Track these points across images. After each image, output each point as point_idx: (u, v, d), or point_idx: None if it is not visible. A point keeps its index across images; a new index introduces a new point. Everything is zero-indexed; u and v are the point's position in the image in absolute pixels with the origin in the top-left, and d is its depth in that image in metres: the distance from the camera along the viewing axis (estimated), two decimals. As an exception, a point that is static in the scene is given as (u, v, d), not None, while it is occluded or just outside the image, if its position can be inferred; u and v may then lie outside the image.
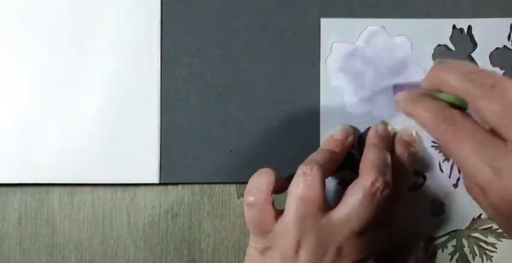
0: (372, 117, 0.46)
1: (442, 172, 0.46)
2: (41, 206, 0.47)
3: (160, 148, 0.46)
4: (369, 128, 0.45)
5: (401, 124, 0.46)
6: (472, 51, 0.46)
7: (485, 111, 0.34)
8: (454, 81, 0.35)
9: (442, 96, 0.37)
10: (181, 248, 0.47)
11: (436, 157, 0.46)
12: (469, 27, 0.46)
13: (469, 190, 0.39)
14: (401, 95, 0.39)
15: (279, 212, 0.41)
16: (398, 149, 0.44)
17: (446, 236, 0.46)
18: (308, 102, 0.46)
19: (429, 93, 0.38)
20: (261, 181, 0.41)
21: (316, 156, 0.42)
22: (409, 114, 0.38)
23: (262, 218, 0.40)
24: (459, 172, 0.46)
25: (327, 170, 0.41)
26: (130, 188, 0.47)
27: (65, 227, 0.47)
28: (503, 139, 0.33)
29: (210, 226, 0.47)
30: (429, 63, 0.46)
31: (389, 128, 0.45)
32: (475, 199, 0.38)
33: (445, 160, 0.46)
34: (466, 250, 0.46)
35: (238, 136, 0.46)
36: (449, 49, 0.46)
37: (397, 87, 0.42)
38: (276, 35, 0.46)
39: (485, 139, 0.34)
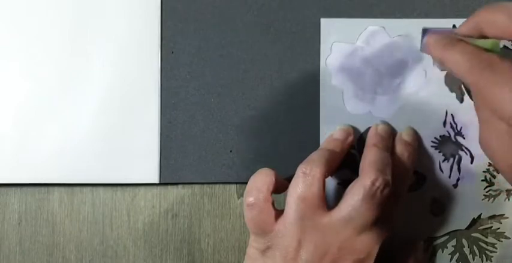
0: (372, 117, 0.46)
1: (442, 172, 0.46)
2: (41, 206, 0.47)
3: (160, 148, 0.46)
4: (368, 128, 0.45)
5: (402, 124, 0.46)
6: (472, 51, 0.46)
7: None
8: (506, 18, 0.35)
9: (478, 42, 0.36)
10: (181, 248, 0.47)
11: (436, 157, 0.46)
12: (469, 27, 0.46)
13: (490, 139, 0.38)
14: (432, 38, 0.38)
15: (279, 212, 0.41)
16: (398, 149, 0.44)
17: (446, 236, 0.46)
18: (308, 102, 0.46)
19: (463, 39, 0.37)
20: (261, 181, 0.41)
21: (316, 156, 0.42)
22: (440, 58, 0.37)
23: (262, 218, 0.40)
24: (459, 171, 0.46)
25: (326, 170, 0.41)
26: (130, 188, 0.47)
27: (65, 227, 0.47)
28: None
29: (210, 226, 0.47)
30: (429, 63, 0.46)
31: (389, 128, 0.45)
32: (494, 148, 0.37)
33: (444, 159, 0.46)
34: (466, 250, 0.46)
35: (238, 136, 0.46)
36: (449, 49, 0.46)
37: (426, 33, 0.40)
38: (276, 35, 0.46)
39: None
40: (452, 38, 0.38)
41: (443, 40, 0.37)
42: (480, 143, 0.39)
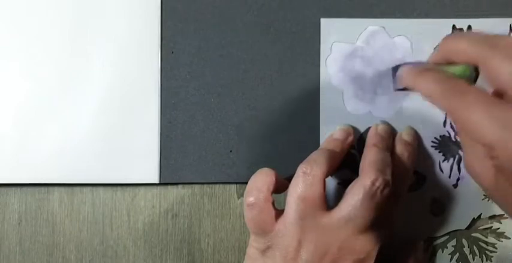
0: (372, 117, 0.46)
1: (442, 172, 0.46)
2: (41, 206, 0.47)
3: (160, 148, 0.46)
4: (368, 128, 0.45)
5: (402, 124, 0.46)
6: (472, 51, 0.46)
7: (498, 70, 0.34)
8: (467, 45, 0.36)
9: (449, 68, 0.37)
10: (181, 248, 0.47)
11: (436, 157, 0.46)
12: (469, 27, 0.46)
13: (472, 162, 0.39)
14: (406, 69, 0.39)
15: (279, 212, 0.41)
16: (398, 149, 0.44)
17: (446, 236, 0.46)
18: (308, 102, 0.46)
19: (435, 68, 0.38)
20: (261, 181, 0.41)
21: (316, 156, 0.42)
22: (413, 87, 0.38)
23: (263, 218, 0.40)
24: (459, 171, 0.46)
25: (327, 170, 0.41)
26: (130, 188, 0.47)
27: (65, 227, 0.47)
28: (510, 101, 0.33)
29: (210, 226, 0.47)
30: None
31: (389, 128, 0.45)
32: (477, 171, 0.38)
33: (444, 159, 0.46)
34: (466, 250, 0.46)
35: (238, 136, 0.46)
36: (449, 49, 0.46)
37: (396, 69, 0.41)
38: (276, 35, 0.46)
39: (493, 101, 0.33)
40: (424, 66, 0.39)
41: (415, 69, 0.38)
42: (465, 166, 0.40)
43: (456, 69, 0.37)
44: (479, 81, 0.37)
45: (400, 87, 0.40)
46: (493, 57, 0.34)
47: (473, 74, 0.37)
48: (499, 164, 0.35)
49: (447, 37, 0.38)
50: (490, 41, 0.35)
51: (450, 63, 0.38)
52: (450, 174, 0.46)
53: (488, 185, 0.38)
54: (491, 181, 0.37)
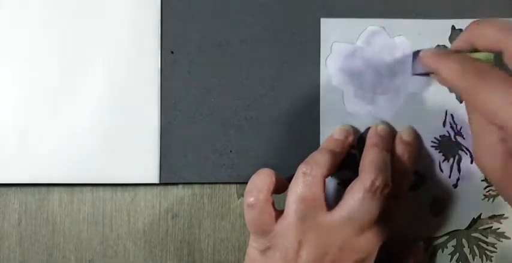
0: (372, 117, 0.46)
1: (442, 172, 0.46)
2: (41, 206, 0.47)
3: (160, 148, 0.46)
4: (368, 128, 0.45)
5: (402, 124, 0.46)
6: (472, 51, 0.46)
7: None
8: (491, 30, 0.36)
9: (473, 55, 0.38)
10: (181, 248, 0.47)
11: (436, 157, 0.46)
12: (469, 27, 0.46)
13: (482, 151, 0.38)
14: (428, 51, 0.39)
15: (279, 212, 0.41)
16: (399, 149, 0.44)
17: (446, 236, 0.46)
18: (308, 102, 0.46)
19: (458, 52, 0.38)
20: (261, 181, 0.41)
21: (316, 156, 0.42)
22: (434, 67, 0.38)
23: (263, 218, 0.40)
24: (459, 171, 0.46)
25: (327, 170, 0.41)
26: (130, 188, 0.47)
27: (65, 227, 0.47)
28: None
29: (210, 226, 0.47)
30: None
31: (389, 128, 0.45)
32: (486, 160, 0.38)
33: (445, 159, 0.46)
34: (466, 250, 0.46)
35: (238, 136, 0.46)
36: (449, 49, 0.46)
37: (417, 54, 0.41)
38: (276, 35, 0.46)
39: None
40: (446, 50, 0.39)
41: (438, 51, 0.38)
42: (474, 158, 0.40)
43: (479, 56, 0.37)
44: None
45: (420, 71, 0.40)
46: None
47: (495, 62, 0.37)
48: (511, 148, 0.34)
49: (473, 22, 0.38)
50: None
51: (473, 51, 0.38)
52: (450, 174, 0.46)
53: (497, 175, 0.38)
54: (501, 169, 0.37)
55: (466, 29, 0.38)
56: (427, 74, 0.43)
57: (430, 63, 0.38)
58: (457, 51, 0.39)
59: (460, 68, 0.36)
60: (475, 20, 0.39)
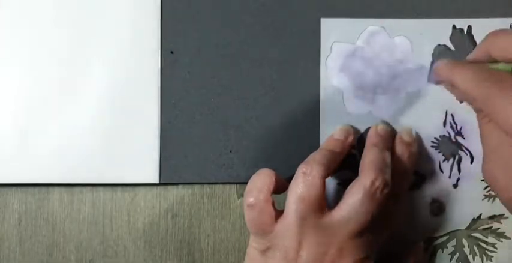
0: (372, 117, 0.46)
1: (442, 172, 0.46)
2: (41, 206, 0.47)
3: (160, 148, 0.46)
4: (368, 128, 0.45)
5: (402, 124, 0.46)
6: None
7: None
8: (509, 42, 0.35)
9: (490, 66, 0.37)
10: (181, 248, 0.47)
11: (436, 157, 0.46)
12: (469, 27, 0.46)
13: (493, 167, 0.37)
14: (442, 62, 0.38)
15: (279, 213, 0.41)
16: (399, 149, 0.44)
17: (446, 236, 0.46)
18: (308, 102, 0.46)
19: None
20: (261, 181, 0.41)
21: (316, 156, 0.42)
22: (449, 77, 0.37)
23: (263, 218, 0.40)
24: (459, 171, 0.46)
25: (327, 170, 0.41)
26: (130, 188, 0.47)
27: (65, 227, 0.47)
28: None
29: (210, 226, 0.47)
30: (429, 63, 0.46)
31: (389, 128, 0.45)
32: (498, 177, 0.37)
33: (445, 159, 0.46)
34: (466, 250, 0.46)
35: (238, 136, 0.46)
36: (449, 49, 0.46)
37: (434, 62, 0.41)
38: (276, 35, 0.46)
39: None
40: (463, 61, 0.38)
41: (454, 61, 0.38)
42: (484, 172, 0.39)
43: (497, 66, 0.37)
44: None
45: (435, 80, 0.39)
46: None
47: None
48: None
49: (491, 33, 0.37)
50: None
51: (491, 61, 0.37)
52: (450, 174, 0.46)
53: (508, 188, 0.37)
54: None
55: (483, 39, 0.38)
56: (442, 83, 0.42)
57: (444, 73, 0.37)
58: (474, 62, 0.38)
59: (475, 76, 0.35)
60: (492, 31, 0.38)
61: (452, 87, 0.37)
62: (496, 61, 0.38)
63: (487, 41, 0.37)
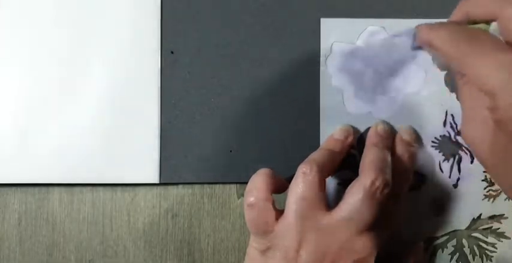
0: (372, 117, 0.46)
1: (442, 172, 0.46)
2: (41, 206, 0.47)
3: (160, 148, 0.46)
4: (369, 128, 0.45)
5: (401, 124, 0.46)
6: (472, 51, 0.46)
7: None
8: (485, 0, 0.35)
9: (469, 27, 0.37)
10: (181, 248, 0.47)
11: (436, 157, 0.46)
12: (469, 27, 0.46)
13: (470, 124, 0.37)
14: (422, 25, 0.38)
15: (279, 212, 0.41)
16: (399, 149, 0.44)
17: (446, 236, 0.46)
18: (308, 102, 0.46)
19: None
20: (261, 181, 0.41)
21: (316, 156, 0.42)
22: (427, 39, 0.37)
23: (263, 218, 0.40)
24: (459, 171, 0.46)
25: (327, 170, 0.41)
26: (130, 188, 0.47)
27: (65, 227, 0.47)
28: None
29: (210, 226, 0.47)
30: (429, 63, 0.46)
31: (389, 128, 0.45)
32: (474, 134, 0.37)
33: (444, 159, 0.46)
34: (466, 250, 0.46)
35: (238, 136, 0.46)
36: (449, 49, 0.46)
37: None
38: (276, 35, 0.46)
39: (504, 47, 0.33)
40: (442, 22, 0.38)
41: (433, 24, 0.37)
42: (462, 134, 0.38)
43: (475, 27, 0.37)
44: None
45: (417, 45, 0.39)
46: (510, 7, 0.34)
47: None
48: (499, 117, 0.33)
49: None
50: None
51: (470, 23, 0.37)
52: (450, 174, 0.46)
53: (486, 148, 0.36)
54: (490, 141, 0.36)
55: (460, 1, 0.38)
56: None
57: (424, 35, 0.37)
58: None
59: (451, 35, 0.35)
60: None
61: (432, 49, 0.37)
62: (475, 22, 0.38)
63: (463, 1, 0.37)
